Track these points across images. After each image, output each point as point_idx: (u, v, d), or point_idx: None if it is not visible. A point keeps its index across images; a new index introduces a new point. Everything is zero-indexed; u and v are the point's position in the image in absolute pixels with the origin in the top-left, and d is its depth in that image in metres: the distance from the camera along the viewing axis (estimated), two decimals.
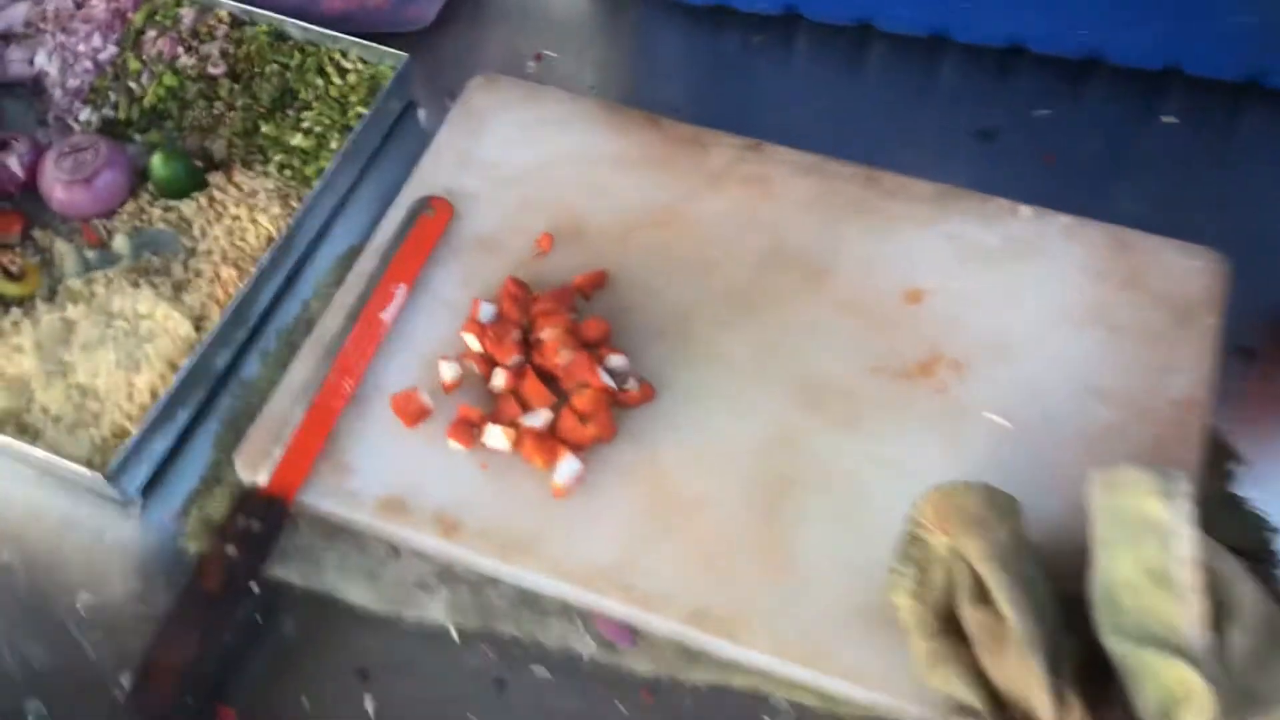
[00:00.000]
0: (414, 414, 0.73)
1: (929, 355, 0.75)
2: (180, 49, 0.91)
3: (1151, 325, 0.75)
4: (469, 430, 0.72)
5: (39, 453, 0.71)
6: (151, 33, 0.92)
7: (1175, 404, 0.72)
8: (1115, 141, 0.87)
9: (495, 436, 0.71)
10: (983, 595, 0.61)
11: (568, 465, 0.70)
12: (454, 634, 0.68)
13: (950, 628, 0.62)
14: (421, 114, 0.92)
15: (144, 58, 0.91)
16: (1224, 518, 0.71)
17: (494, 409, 0.73)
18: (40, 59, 0.91)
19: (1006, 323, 0.76)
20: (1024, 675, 0.58)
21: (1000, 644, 0.59)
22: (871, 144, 0.87)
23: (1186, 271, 0.77)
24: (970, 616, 0.61)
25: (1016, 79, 0.91)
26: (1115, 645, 0.59)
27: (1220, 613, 0.59)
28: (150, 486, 0.75)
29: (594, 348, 0.75)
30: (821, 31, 0.94)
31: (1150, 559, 0.60)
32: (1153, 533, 0.60)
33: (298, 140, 0.87)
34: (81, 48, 0.91)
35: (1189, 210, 0.82)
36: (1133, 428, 0.71)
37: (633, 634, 0.68)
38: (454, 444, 0.72)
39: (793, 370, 0.75)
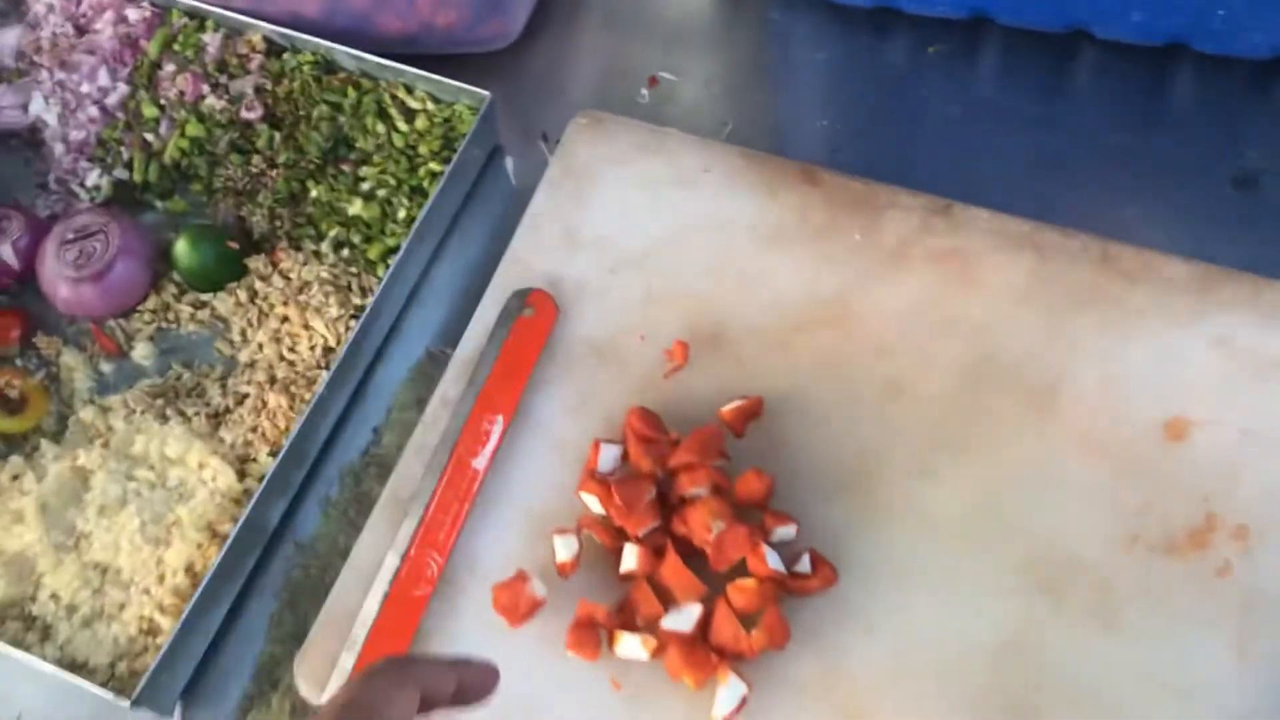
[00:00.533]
0: (523, 610, 0.56)
1: (1202, 518, 0.56)
2: (205, 87, 0.73)
3: None
4: (594, 636, 0.55)
5: (46, 666, 0.56)
6: (169, 66, 0.73)
7: None
8: None
9: (630, 647, 0.54)
10: None
11: (729, 692, 0.53)
12: None
13: None
14: (509, 163, 0.73)
15: (162, 100, 0.73)
16: None
17: (624, 600, 0.56)
18: (36, 105, 0.74)
19: None
20: None
21: None
22: (1092, 198, 0.67)
23: None
24: None
25: (1277, 101, 0.70)
26: None
27: None
28: (192, 686, 0.59)
29: (754, 512, 0.57)
30: (1018, 39, 0.73)
31: None
32: None
33: (357, 208, 0.69)
34: (85, 88, 0.73)
35: None
36: None
37: None
38: (575, 656, 0.55)
39: (1019, 539, 0.56)
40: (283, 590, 0.61)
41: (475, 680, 0.40)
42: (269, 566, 0.62)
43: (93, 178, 0.72)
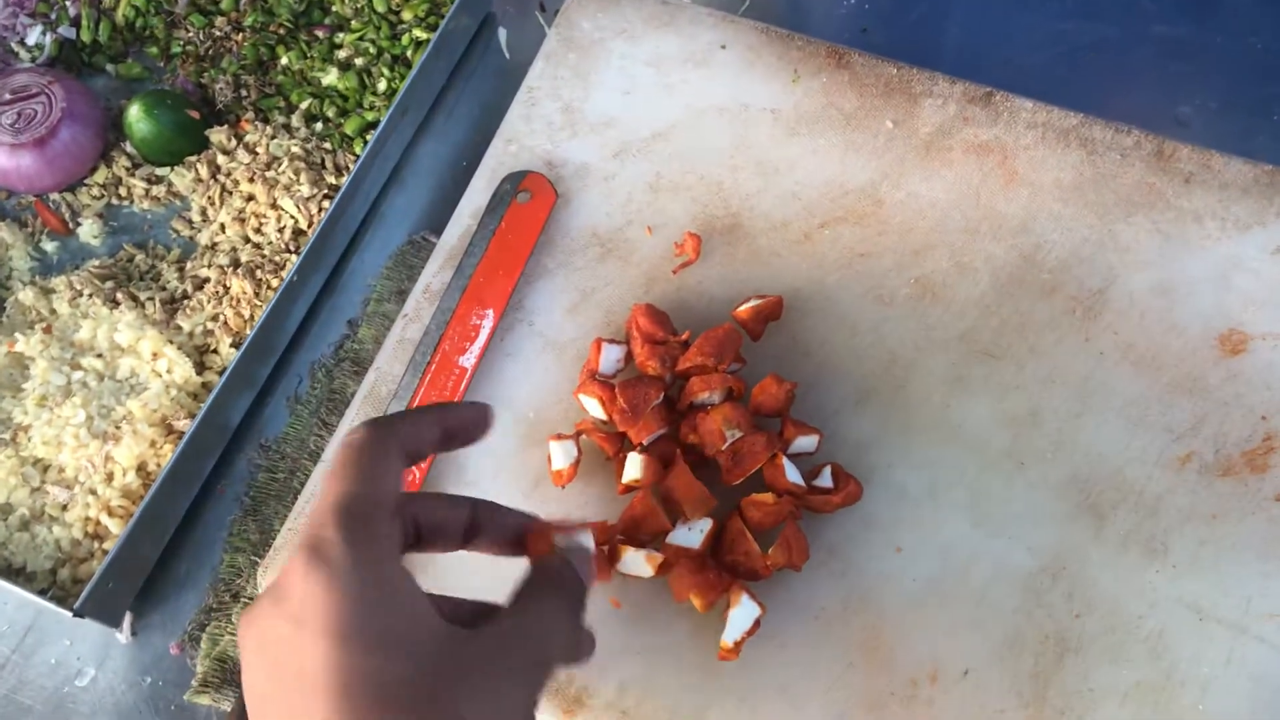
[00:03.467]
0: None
1: (1260, 438, 0.51)
2: None
3: None
4: (596, 553, 0.49)
5: None
6: None
7: None
8: None
9: (634, 562, 0.49)
10: None
11: (742, 614, 0.48)
12: None
13: None
14: (503, 34, 0.66)
15: None
16: None
17: (627, 513, 0.50)
18: None
19: None
20: None
21: None
22: (1143, 91, 0.61)
23: None
24: None
25: None
26: None
27: None
28: (143, 596, 0.53)
29: (772, 420, 0.51)
30: None
31: None
32: None
33: (332, 78, 0.62)
34: None
35: None
36: None
37: None
38: None
39: (1063, 457, 0.51)
40: (245, 495, 0.55)
41: (463, 421, 0.38)
42: (230, 469, 0.56)
43: (34, 35, 0.64)
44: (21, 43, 0.64)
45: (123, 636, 0.53)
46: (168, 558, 0.54)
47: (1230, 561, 0.49)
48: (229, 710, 0.49)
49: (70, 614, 0.49)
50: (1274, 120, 0.60)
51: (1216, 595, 0.48)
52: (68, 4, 0.64)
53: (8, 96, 0.60)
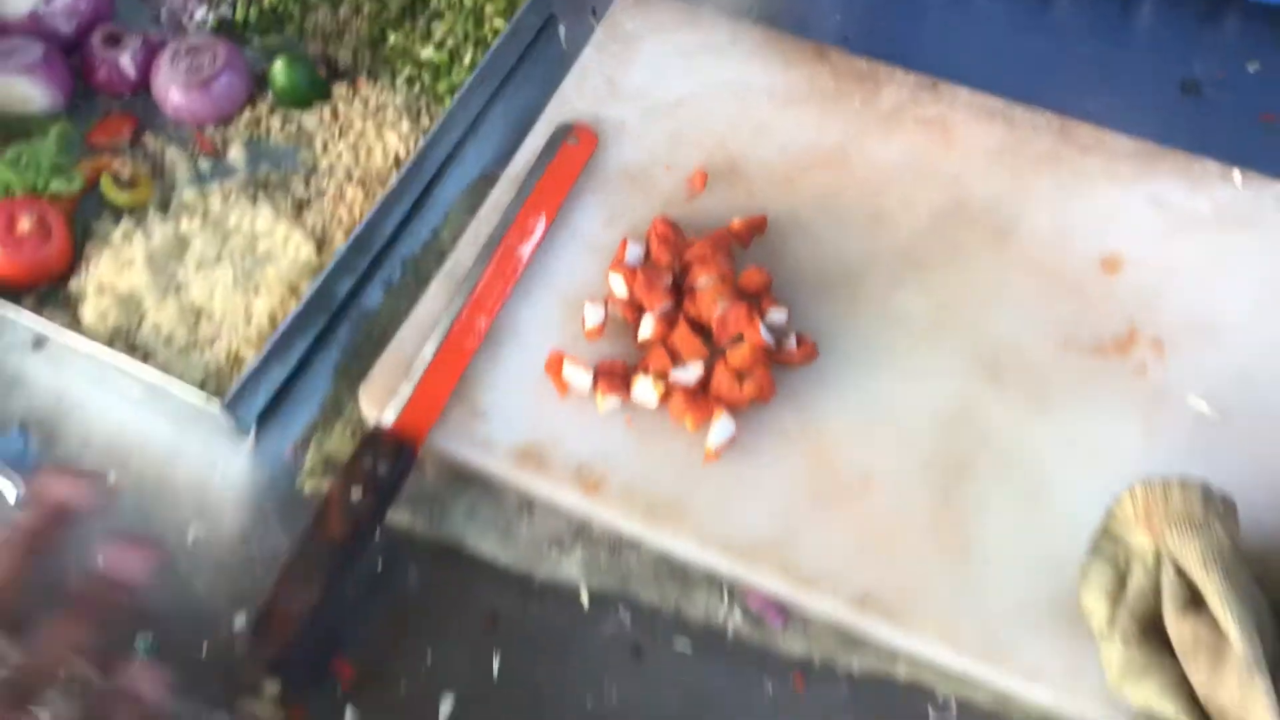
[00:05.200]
0: (563, 385, 0.66)
1: (1126, 331, 0.67)
2: None
3: None
4: (615, 382, 0.65)
5: (152, 373, 0.66)
6: None
7: None
8: None
9: (644, 390, 0.65)
10: (1193, 603, 0.54)
11: (721, 427, 0.64)
12: (585, 597, 0.63)
13: (1151, 637, 0.56)
14: (562, 30, 0.85)
15: None
16: None
17: (642, 359, 0.67)
18: None
19: (1216, 300, 0.68)
20: (1246, 698, 0.51)
21: (1217, 660, 0.53)
22: (1062, 90, 0.78)
23: None
24: (1179, 628, 0.54)
25: (1223, 26, 0.82)
26: None
27: None
28: (266, 415, 0.69)
29: (753, 299, 0.68)
30: None
31: None
32: None
33: (428, 53, 0.81)
34: None
35: None
36: None
37: (785, 612, 0.62)
38: (599, 396, 0.65)
39: (974, 337, 0.67)
40: (348, 347, 0.72)
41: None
42: (337, 331, 0.72)
43: (200, 13, 0.83)
44: (190, 18, 0.83)
45: (249, 440, 0.69)
46: (287, 387, 0.70)
47: (1094, 414, 0.65)
48: (328, 490, 0.64)
49: (219, 407, 0.65)
50: (1154, 116, 0.77)
51: (1083, 437, 0.64)
52: None
53: (183, 49, 0.78)
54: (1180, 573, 0.55)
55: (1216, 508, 0.55)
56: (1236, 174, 0.72)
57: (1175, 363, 0.66)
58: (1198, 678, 0.53)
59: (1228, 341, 0.67)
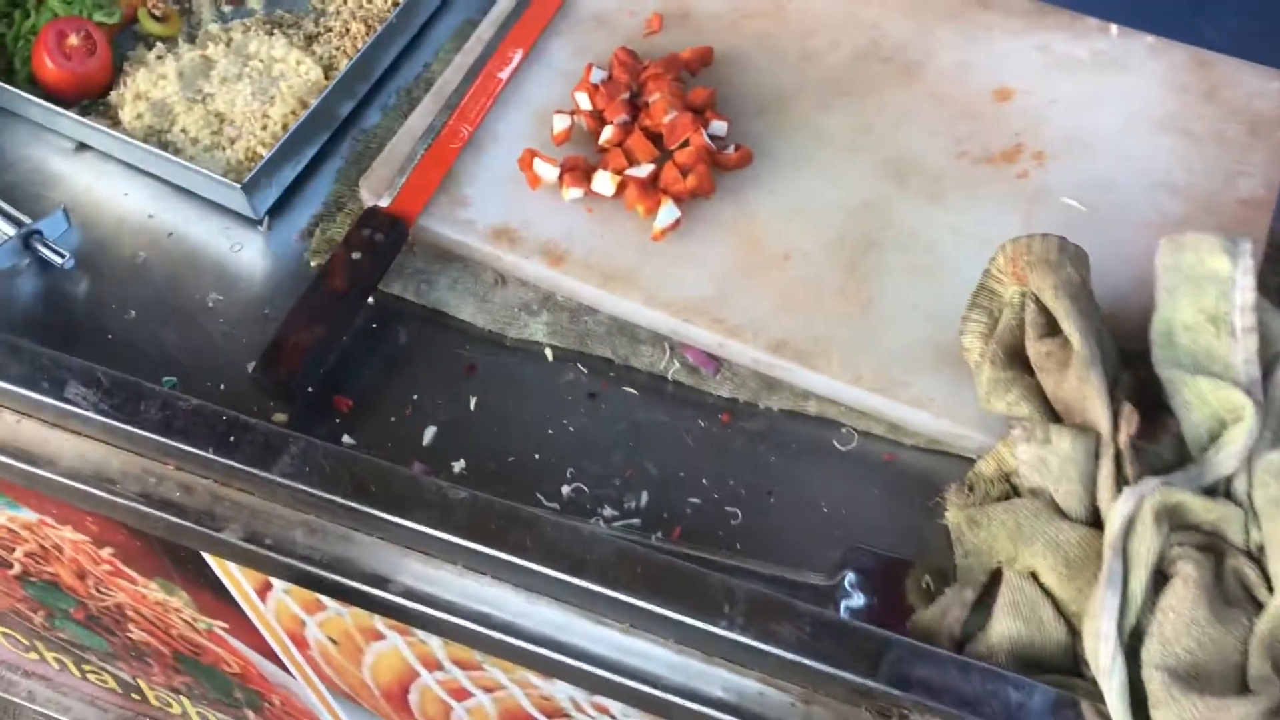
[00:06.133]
0: (534, 177, 0.78)
1: (1013, 145, 0.79)
2: None
3: (1225, 134, 0.79)
4: (578, 175, 0.77)
5: (181, 162, 0.77)
6: None
7: (1243, 203, 0.76)
8: None
9: (602, 182, 0.77)
10: (1049, 331, 0.66)
11: (667, 211, 0.75)
12: (549, 353, 0.74)
13: (1014, 361, 0.67)
14: None
15: None
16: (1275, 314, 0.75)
17: (602, 159, 0.78)
18: None
19: (1088, 123, 0.80)
20: (1083, 388, 0.63)
21: (1063, 367, 0.64)
22: None
23: (1264, 91, 0.81)
24: (1036, 349, 0.66)
25: None
26: (1170, 375, 0.63)
27: (1267, 356, 0.64)
28: (276, 210, 0.81)
29: (698, 112, 0.80)
30: None
31: (1209, 304, 0.64)
32: (1214, 282, 0.65)
33: None
34: None
35: (1273, 39, 0.86)
36: (1200, 219, 0.76)
37: (717, 363, 0.73)
38: (564, 188, 0.77)
39: (884, 148, 0.79)
40: (349, 157, 0.83)
41: None
42: (340, 145, 0.84)
43: None
44: None
45: (262, 228, 0.80)
46: (295, 187, 0.81)
47: (982, 207, 0.77)
48: (333, 252, 0.75)
49: (240, 186, 0.76)
50: None
51: (971, 224, 0.76)
52: None
53: None
54: (1040, 307, 0.67)
55: (1070, 253, 0.67)
56: (1114, 28, 0.85)
57: (1053, 169, 0.78)
58: (1048, 383, 0.65)
59: (1097, 154, 0.79)
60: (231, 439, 0.65)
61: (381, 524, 0.63)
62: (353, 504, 0.63)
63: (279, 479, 0.63)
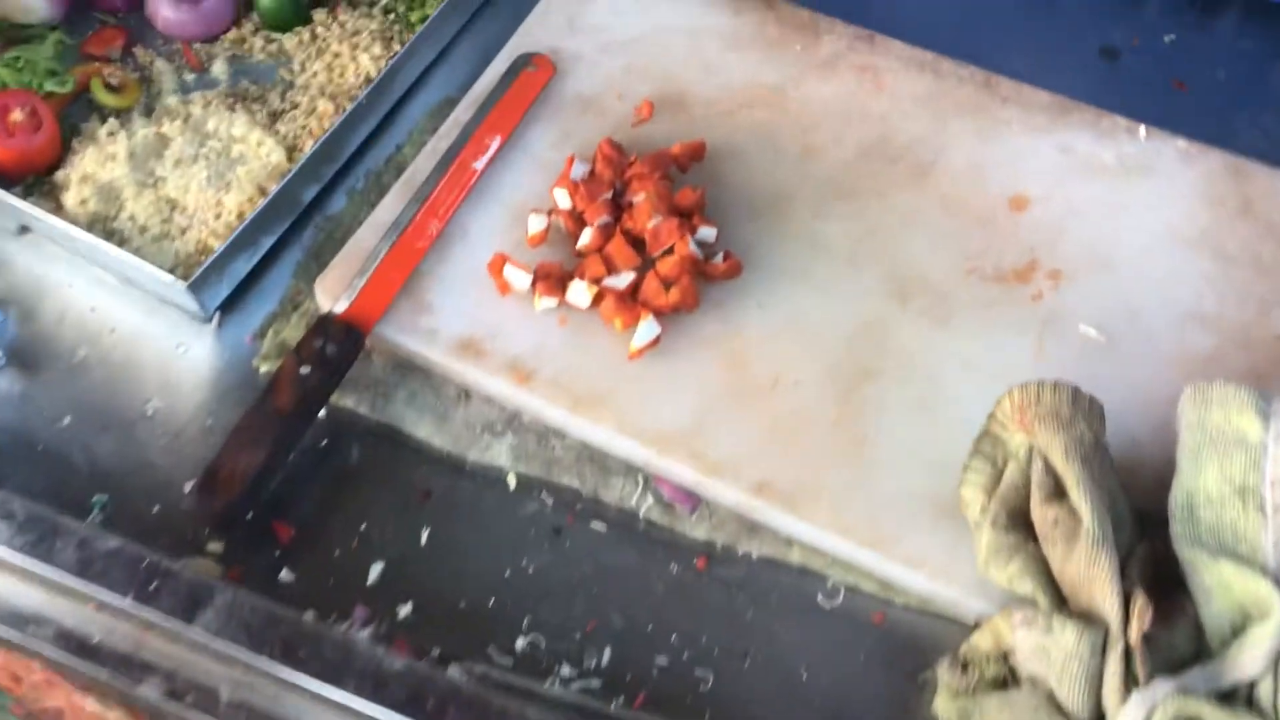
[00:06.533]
0: (504, 284, 0.72)
1: (1027, 261, 0.73)
2: None
3: (1262, 256, 0.73)
4: (551, 284, 0.71)
5: (125, 255, 0.72)
6: None
7: (1278, 339, 0.70)
8: (1244, 74, 0.84)
9: (577, 292, 0.70)
10: (1057, 493, 0.60)
11: (646, 328, 0.69)
12: (513, 480, 0.68)
13: (1018, 525, 0.61)
14: None
15: None
16: None
17: (578, 265, 0.72)
18: None
19: (1112, 238, 0.74)
20: (1091, 571, 0.56)
21: (1070, 541, 0.58)
22: (989, 48, 0.84)
23: None
24: (1042, 513, 0.60)
25: (1147, 1, 0.88)
26: (1189, 555, 0.57)
27: None
28: (229, 305, 0.75)
29: (685, 216, 0.73)
30: None
31: (1236, 474, 0.58)
32: (1242, 448, 0.58)
33: None
34: None
35: None
36: (1230, 356, 0.69)
37: (694, 499, 0.67)
38: (536, 297, 0.71)
39: (887, 261, 0.73)
40: (310, 248, 0.77)
41: None
42: (301, 234, 0.78)
43: None
44: None
45: (212, 325, 0.74)
46: (250, 281, 0.75)
47: (991, 334, 0.70)
48: (280, 365, 0.69)
49: (185, 285, 0.70)
50: (1073, 77, 0.83)
51: (978, 354, 0.69)
52: None
53: None
54: (1048, 466, 0.61)
55: (1083, 407, 0.61)
56: (1142, 129, 0.78)
57: (1070, 292, 0.72)
58: (1053, 557, 0.59)
59: (1120, 276, 0.72)
60: (153, 586, 0.59)
61: (310, 692, 0.57)
62: (280, 669, 0.57)
63: (201, 635, 0.58)
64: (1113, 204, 0.75)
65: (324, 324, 0.69)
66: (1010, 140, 0.77)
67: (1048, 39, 0.86)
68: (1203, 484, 0.58)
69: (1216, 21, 0.87)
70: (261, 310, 0.75)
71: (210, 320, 0.74)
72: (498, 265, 0.72)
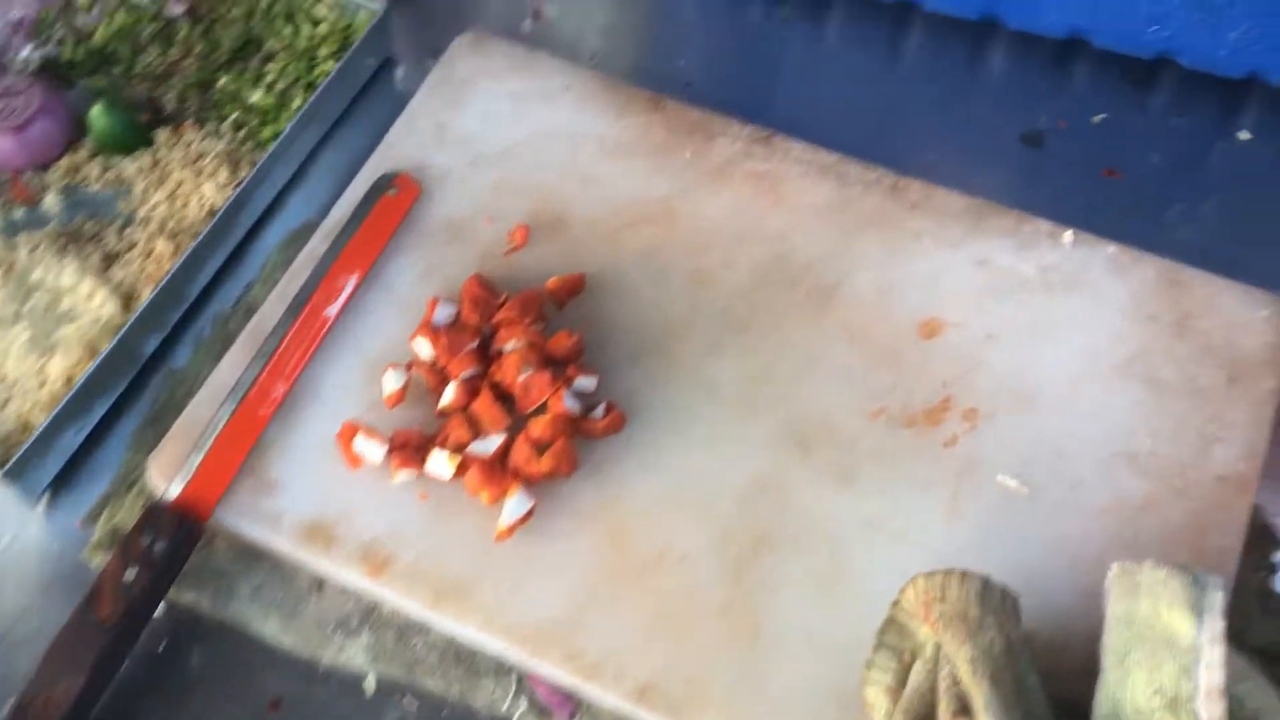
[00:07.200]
0: (354, 457, 0.64)
1: (940, 399, 0.65)
2: None
3: (1200, 383, 0.65)
4: (409, 455, 0.63)
5: None
6: None
7: (1219, 480, 0.63)
8: (1180, 157, 0.76)
9: (438, 463, 0.63)
10: (965, 709, 0.53)
11: (515, 504, 0.62)
12: (371, 684, 0.61)
13: None
14: (399, 74, 0.82)
15: None
16: (1259, 617, 0.61)
17: (440, 429, 0.65)
18: None
19: (1034, 368, 0.66)
20: None
21: None
22: (903, 141, 0.76)
23: (1248, 322, 0.67)
24: None
25: (1073, 76, 0.80)
26: None
27: None
28: (60, 482, 0.67)
29: (561, 366, 0.66)
30: (858, 6, 0.83)
31: (1167, 683, 0.51)
32: (1174, 653, 0.51)
33: (257, 96, 0.78)
34: None
35: (1259, 245, 0.72)
36: (1167, 504, 0.62)
37: (572, 703, 0.60)
38: (393, 469, 0.63)
39: (784, 406, 0.65)
40: (151, 410, 0.69)
41: None
42: (142, 391, 0.70)
43: (26, 52, 0.81)
44: (15, 55, 0.80)
45: (39, 509, 0.66)
46: (81, 454, 0.68)
47: (900, 489, 0.63)
48: (102, 569, 0.62)
49: (0, 472, 0.63)
50: (994, 170, 0.75)
51: (886, 513, 0.62)
52: (54, 30, 0.81)
53: None
54: (955, 676, 0.53)
55: (994, 605, 0.54)
56: (1068, 235, 0.70)
57: (987, 434, 0.64)
58: None
59: (1042, 412, 0.65)
60: None
61: None
62: None
63: None
64: (1035, 326, 0.68)
65: (153, 515, 0.62)
66: (921, 257, 0.70)
67: (965, 127, 0.78)
68: (1130, 695, 0.51)
69: (1150, 97, 0.79)
70: (95, 488, 0.67)
71: (36, 503, 0.66)
72: (347, 435, 0.64)
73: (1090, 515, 0.62)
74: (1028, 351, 0.67)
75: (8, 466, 0.63)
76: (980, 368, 0.66)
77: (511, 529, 0.62)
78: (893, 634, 0.56)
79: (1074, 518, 0.62)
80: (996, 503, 0.62)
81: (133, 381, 0.70)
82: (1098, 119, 0.78)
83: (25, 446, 0.64)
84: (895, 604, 0.56)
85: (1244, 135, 0.77)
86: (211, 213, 0.73)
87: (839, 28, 0.83)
